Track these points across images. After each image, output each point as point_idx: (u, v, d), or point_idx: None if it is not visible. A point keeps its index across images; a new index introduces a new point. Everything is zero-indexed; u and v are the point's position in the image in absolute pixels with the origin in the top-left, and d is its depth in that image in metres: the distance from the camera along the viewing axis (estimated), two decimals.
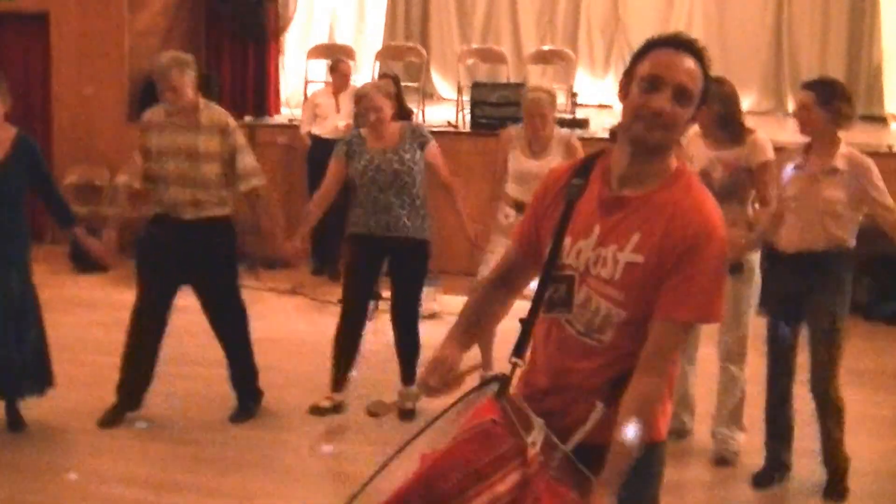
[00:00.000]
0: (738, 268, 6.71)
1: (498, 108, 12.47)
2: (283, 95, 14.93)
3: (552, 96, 7.75)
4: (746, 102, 15.21)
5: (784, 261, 6.56)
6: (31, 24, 13.56)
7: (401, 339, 7.74)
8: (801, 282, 6.45)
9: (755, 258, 6.99)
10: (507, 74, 14.89)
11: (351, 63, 13.37)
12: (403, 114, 11.75)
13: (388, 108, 7.41)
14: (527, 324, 3.55)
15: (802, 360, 6.72)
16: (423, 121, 13.25)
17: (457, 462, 3.16)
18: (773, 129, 13.46)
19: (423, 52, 15.10)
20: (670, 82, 3.30)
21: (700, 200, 3.39)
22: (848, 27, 15.37)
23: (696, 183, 3.48)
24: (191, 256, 7.19)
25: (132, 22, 13.51)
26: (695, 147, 6.97)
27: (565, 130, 8.21)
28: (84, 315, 7.54)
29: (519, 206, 7.52)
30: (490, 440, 3.17)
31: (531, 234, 3.66)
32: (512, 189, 7.76)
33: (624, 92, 3.41)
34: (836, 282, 6.43)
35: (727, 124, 6.88)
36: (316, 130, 12.10)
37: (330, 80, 13.05)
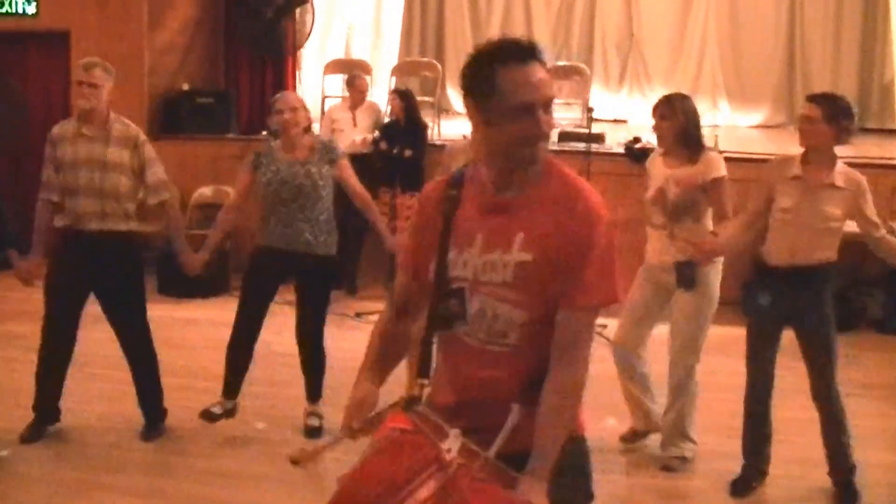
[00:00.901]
0: (691, 283, 6.87)
1: None
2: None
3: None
4: (759, 117, 15.35)
5: (774, 274, 6.58)
6: (53, 43, 13.66)
7: (305, 357, 7.70)
8: (791, 296, 6.52)
9: (714, 276, 7.05)
10: None
11: (367, 78, 13.43)
12: (417, 127, 11.84)
13: (302, 115, 7.40)
14: (425, 344, 3.54)
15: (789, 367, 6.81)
16: (439, 135, 13.35)
17: (372, 476, 3.21)
18: (786, 143, 13.53)
19: (439, 66, 15.17)
20: (541, 102, 3.31)
21: (579, 189, 3.40)
22: (860, 42, 15.41)
23: (570, 172, 3.48)
24: (96, 269, 7.16)
25: (151, 40, 13.63)
26: (655, 167, 7.10)
27: None
28: (102, 330, 7.57)
29: None
30: (402, 449, 3.24)
31: (417, 257, 3.63)
32: None
33: (481, 109, 3.36)
34: (824, 295, 6.53)
35: (689, 138, 6.96)
36: None
37: (347, 94, 13.12)
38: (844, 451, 6.64)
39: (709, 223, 6.97)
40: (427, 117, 12.95)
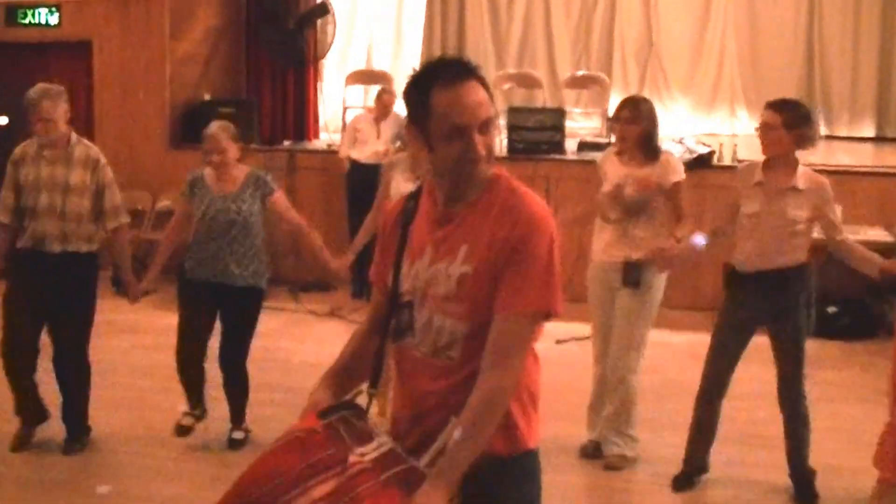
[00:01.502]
0: (636, 282, 6.96)
1: (534, 133, 12.47)
2: (322, 120, 15.06)
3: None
4: None
5: (744, 280, 6.67)
6: (75, 52, 13.77)
7: (228, 383, 7.66)
8: (763, 301, 6.60)
9: (660, 279, 7.13)
10: (543, 99, 14.97)
11: (393, 90, 13.49)
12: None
13: (232, 151, 7.34)
14: (376, 355, 3.52)
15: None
16: None
17: (270, 469, 3.14)
18: (805, 151, 13.56)
19: None
20: (474, 125, 3.26)
21: (522, 196, 3.34)
22: (878, 52, 15.37)
23: (517, 182, 3.41)
24: (55, 289, 7.16)
25: (173, 50, 13.72)
26: (609, 164, 7.20)
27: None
28: (126, 339, 7.66)
29: None
30: (305, 447, 3.15)
31: (383, 272, 3.59)
32: None
33: (420, 132, 3.37)
34: (797, 298, 6.59)
35: (649, 142, 7.09)
36: (355, 155, 12.26)
37: (368, 104, 13.19)
38: (804, 454, 6.75)
39: (660, 225, 7.09)
40: None
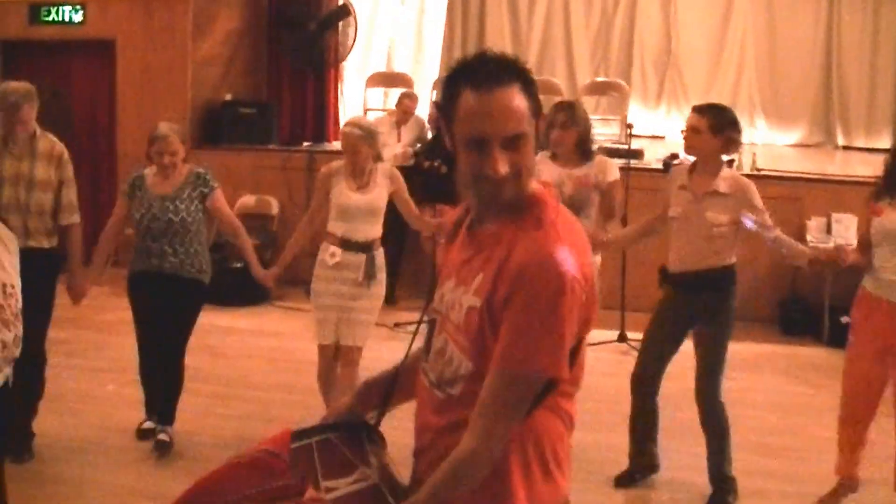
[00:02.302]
0: None
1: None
2: (342, 123, 15.08)
3: (365, 131, 7.41)
4: (796, 135, 15.37)
5: (671, 279, 6.78)
6: (98, 51, 13.84)
7: (163, 377, 7.51)
8: (689, 300, 6.70)
9: (598, 260, 7.24)
10: None
11: (416, 93, 13.56)
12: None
13: (181, 153, 7.31)
14: (394, 372, 3.31)
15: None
16: None
17: (216, 486, 2.98)
18: (823, 162, 13.60)
19: None
20: (496, 138, 2.86)
21: (547, 233, 2.89)
22: None
23: (556, 212, 2.98)
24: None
25: (195, 51, 13.79)
26: (545, 167, 7.20)
27: (387, 165, 7.87)
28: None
29: (346, 244, 7.30)
30: (263, 471, 2.94)
31: None
32: (337, 227, 7.39)
33: (447, 133, 3.00)
34: (720, 298, 6.66)
35: (584, 144, 7.23)
36: None
37: (388, 107, 13.24)
38: (722, 457, 6.77)
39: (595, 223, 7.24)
40: None
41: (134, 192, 7.32)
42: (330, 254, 7.33)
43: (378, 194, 7.37)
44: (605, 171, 7.22)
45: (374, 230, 7.39)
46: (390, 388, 3.30)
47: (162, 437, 7.42)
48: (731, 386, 7.06)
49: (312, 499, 2.88)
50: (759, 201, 6.54)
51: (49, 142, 7.21)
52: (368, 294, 7.33)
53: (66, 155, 7.25)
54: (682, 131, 6.77)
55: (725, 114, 6.61)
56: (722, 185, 6.52)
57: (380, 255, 7.42)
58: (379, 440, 3.21)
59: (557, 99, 15.00)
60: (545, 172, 7.14)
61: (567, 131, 7.12)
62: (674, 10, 15.85)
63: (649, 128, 15.31)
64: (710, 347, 6.68)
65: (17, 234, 6.82)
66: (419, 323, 3.25)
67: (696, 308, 6.67)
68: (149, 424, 7.54)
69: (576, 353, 2.92)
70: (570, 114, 7.18)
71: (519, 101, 2.86)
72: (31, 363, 7.23)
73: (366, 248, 7.31)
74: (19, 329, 3.80)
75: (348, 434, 3.13)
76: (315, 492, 2.90)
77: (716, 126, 6.48)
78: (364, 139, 7.29)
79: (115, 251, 7.68)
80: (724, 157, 6.80)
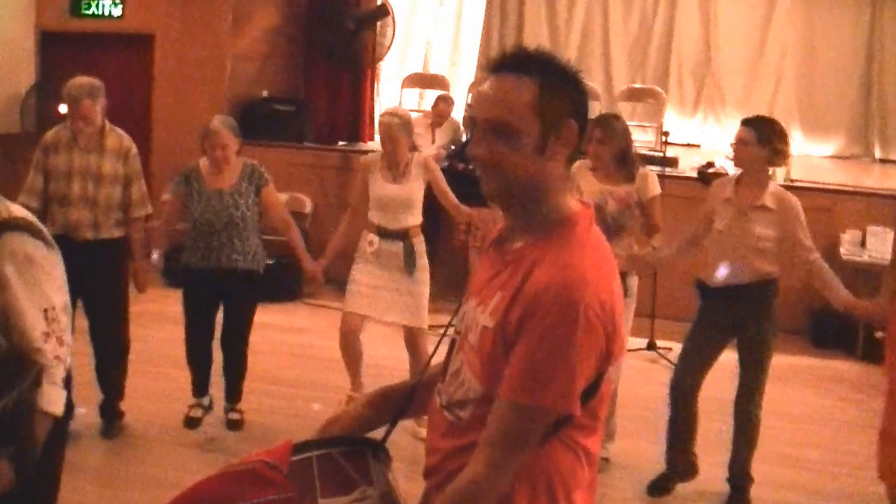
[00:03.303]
0: (624, 292, 6.87)
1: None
2: (377, 122, 15.09)
3: (404, 120, 7.47)
4: (833, 147, 15.29)
5: (712, 293, 6.73)
6: (137, 45, 13.90)
7: (228, 366, 7.70)
8: (730, 313, 6.65)
9: (636, 282, 7.25)
10: (598, 110, 14.95)
11: (451, 97, 13.54)
12: None
13: (233, 146, 7.33)
14: (411, 388, 3.16)
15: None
16: None
17: (209, 495, 2.85)
18: (859, 175, 13.50)
19: None
20: (479, 120, 2.79)
21: (568, 255, 2.71)
22: None
23: (583, 233, 2.80)
24: (86, 275, 6.94)
25: (233, 47, 13.80)
26: (584, 179, 7.12)
27: (422, 154, 7.94)
28: (173, 330, 7.71)
29: (382, 233, 7.47)
30: (257, 483, 2.79)
31: None
32: (375, 216, 7.55)
33: None
34: (763, 311, 6.64)
35: (624, 160, 7.10)
36: None
37: (423, 109, 13.24)
38: (746, 461, 6.80)
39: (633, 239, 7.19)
40: None
41: (189, 185, 7.39)
42: (368, 241, 7.52)
43: (414, 185, 7.49)
44: (646, 186, 7.11)
45: (412, 219, 7.53)
46: (405, 403, 3.14)
47: (233, 416, 7.71)
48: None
49: None
50: (803, 218, 6.53)
51: (117, 137, 7.29)
52: (412, 280, 7.48)
53: (134, 150, 7.34)
54: (731, 144, 6.75)
55: (773, 126, 6.60)
56: (769, 200, 6.50)
57: (419, 242, 7.53)
58: (385, 457, 3.04)
59: (595, 104, 15.09)
60: (585, 186, 7.09)
61: (604, 146, 7.03)
62: (713, 19, 15.81)
63: (685, 136, 15.28)
64: (753, 359, 6.66)
65: (87, 226, 7.05)
66: (441, 337, 3.15)
67: (738, 319, 6.64)
68: (196, 412, 7.62)
69: (596, 386, 2.73)
70: (607, 128, 7.07)
71: (519, 91, 2.73)
72: (116, 344, 7.56)
73: (403, 235, 7.46)
74: (70, 339, 3.71)
75: (352, 449, 2.96)
76: None
77: (761, 138, 6.47)
78: (402, 127, 7.37)
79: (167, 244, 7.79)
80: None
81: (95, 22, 14.03)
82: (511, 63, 2.77)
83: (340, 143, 14.29)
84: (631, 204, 7.05)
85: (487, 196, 2.83)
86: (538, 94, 2.72)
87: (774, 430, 7.42)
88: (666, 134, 11.66)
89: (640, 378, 7.77)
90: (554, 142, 2.74)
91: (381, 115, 7.68)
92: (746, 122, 6.63)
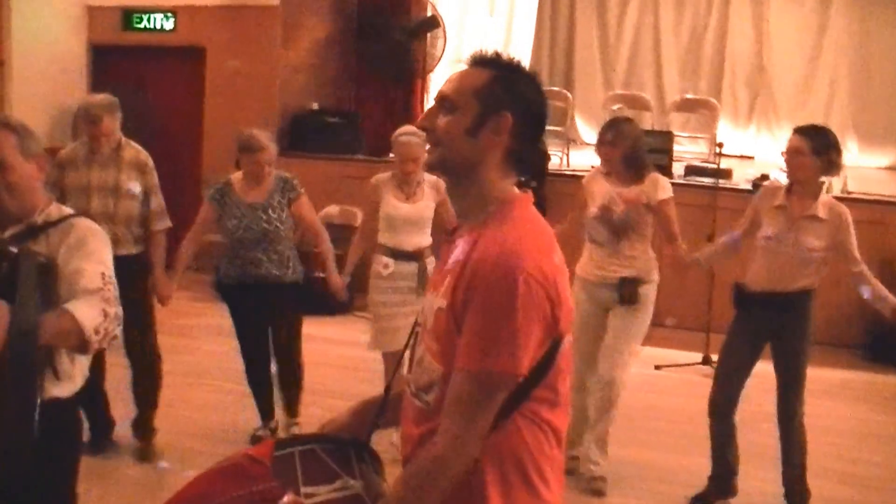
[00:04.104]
0: (634, 298, 6.99)
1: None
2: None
3: (422, 138, 7.27)
4: (888, 158, 15.11)
5: (751, 299, 6.68)
6: (188, 58, 13.96)
7: (283, 377, 7.75)
8: (769, 320, 6.61)
9: (652, 293, 7.16)
10: (650, 122, 14.88)
11: None
12: (540, 154, 11.89)
13: (274, 160, 7.40)
14: (386, 389, 3.31)
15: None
16: (568, 165, 13.38)
17: (200, 492, 2.99)
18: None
19: (569, 96, 15.17)
20: (436, 97, 3.05)
21: (504, 230, 2.88)
22: None
23: (518, 211, 3.00)
24: None
25: (284, 59, 13.84)
26: (596, 184, 7.20)
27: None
28: (222, 342, 7.73)
29: (396, 254, 7.44)
30: (241, 476, 2.93)
31: None
32: (387, 237, 7.53)
33: None
34: (803, 320, 6.61)
35: (633, 162, 7.06)
36: None
37: None
38: (800, 475, 6.75)
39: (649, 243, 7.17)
40: (556, 147, 12.96)
41: (223, 200, 7.40)
42: (383, 265, 7.47)
43: (425, 204, 7.48)
44: (655, 188, 7.07)
45: (424, 239, 7.52)
46: (382, 406, 3.28)
47: (293, 430, 7.65)
48: (812, 411, 6.93)
49: (291, 502, 2.86)
50: (853, 230, 6.49)
51: (134, 151, 7.27)
52: (419, 302, 7.30)
53: (150, 163, 7.30)
54: (783, 153, 6.71)
55: (827, 136, 6.54)
56: (821, 210, 6.46)
57: (431, 262, 7.46)
58: (372, 458, 3.17)
59: (646, 115, 15.01)
60: (597, 191, 7.14)
61: (614, 148, 7.02)
62: (766, 28, 15.69)
63: (739, 147, 15.15)
64: (790, 367, 6.63)
65: None
66: (410, 337, 3.23)
67: (773, 328, 6.61)
68: (262, 432, 7.66)
69: (552, 358, 2.87)
70: (617, 131, 7.07)
71: (471, 77, 3.01)
72: (146, 362, 7.49)
73: (416, 256, 7.45)
74: (119, 310, 3.93)
75: (335, 447, 3.10)
76: (294, 496, 2.88)
77: (815, 148, 6.42)
78: (422, 146, 7.25)
79: (195, 256, 7.70)
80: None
81: (147, 35, 14.14)
82: (478, 58, 3.06)
83: (391, 155, 14.22)
84: (639, 205, 7.01)
85: (427, 167, 3.10)
86: (485, 83, 2.98)
87: (830, 445, 7.35)
88: (720, 145, 11.55)
89: (694, 393, 7.71)
90: (487, 128, 2.96)
91: (399, 135, 7.62)
92: (800, 131, 6.58)
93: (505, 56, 3.08)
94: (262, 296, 7.46)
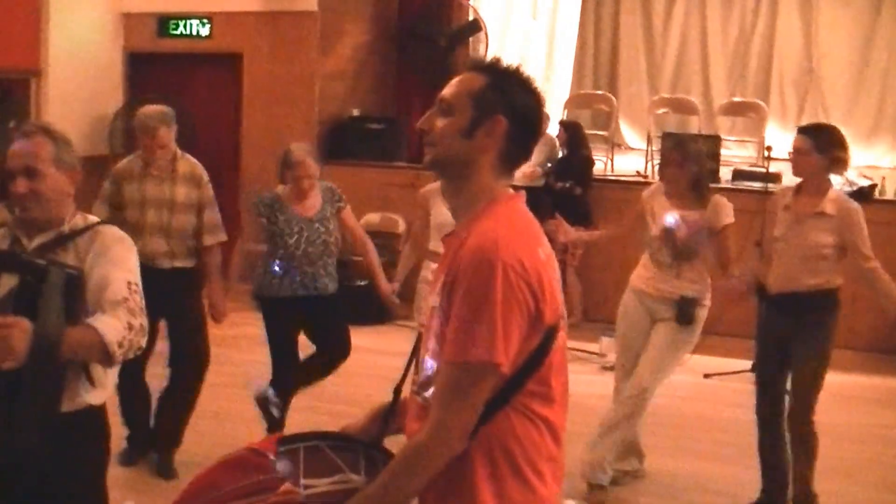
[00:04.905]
0: (691, 319, 6.93)
1: None
2: None
3: None
4: None
5: (770, 300, 6.68)
6: (225, 64, 13.93)
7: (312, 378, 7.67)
8: (788, 322, 6.56)
9: (704, 314, 7.09)
10: (697, 125, 14.69)
11: (547, 113, 13.31)
12: (580, 160, 11.75)
13: (317, 173, 7.35)
14: (396, 390, 3.33)
15: None
16: (612, 170, 13.24)
17: (209, 482, 3.07)
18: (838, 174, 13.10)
19: (613, 100, 15.01)
20: (436, 101, 3.12)
21: (486, 225, 2.94)
22: None
23: (503, 207, 3.03)
24: (164, 302, 6.81)
25: (322, 65, 13.74)
26: (657, 202, 7.12)
27: None
28: (263, 352, 7.62)
29: None
30: (242, 468, 3.05)
31: None
32: (437, 245, 7.17)
33: None
34: (821, 322, 6.55)
35: (698, 184, 7.02)
36: None
37: None
38: (808, 476, 6.68)
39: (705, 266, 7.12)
40: (600, 152, 12.80)
41: (274, 215, 7.34)
42: (431, 271, 7.29)
43: None
44: (717, 213, 6.97)
45: None
46: (392, 408, 3.32)
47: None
48: (860, 420, 6.74)
49: (287, 491, 2.95)
50: (864, 226, 6.45)
51: (189, 164, 7.27)
52: None
53: (206, 177, 7.30)
54: (789, 153, 6.77)
55: (830, 134, 6.58)
56: (829, 207, 6.42)
57: None
58: (386, 457, 3.17)
59: (693, 119, 14.81)
60: (657, 208, 7.08)
61: (681, 170, 6.96)
62: (815, 29, 15.50)
63: (787, 150, 14.90)
64: (802, 372, 6.55)
65: (163, 256, 7.05)
66: (416, 341, 3.34)
67: (794, 329, 6.52)
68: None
69: (543, 352, 2.92)
70: (684, 151, 7.02)
71: (469, 81, 3.08)
72: (191, 375, 7.44)
73: None
74: (144, 321, 3.92)
75: (343, 445, 3.18)
76: (291, 486, 2.97)
77: (820, 146, 6.39)
78: None
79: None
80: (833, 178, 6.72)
81: (183, 42, 14.12)
82: (477, 64, 3.14)
83: None
84: (701, 230, 6.92)
85: (425, 166, 3.15)
86: (482, 87, 3.04)
87: (880, 455, 7.14)
88: (769, 149, 11.35)
89: (742, 402, 7.60)
90: (482, 130, 3.02)
91: None
92: (802, 131, 6.65)
93: (503, 63, 3.15)
94: (310, 308, 7.41)
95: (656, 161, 12.66)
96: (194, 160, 7.32)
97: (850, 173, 11.66)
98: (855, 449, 6.65)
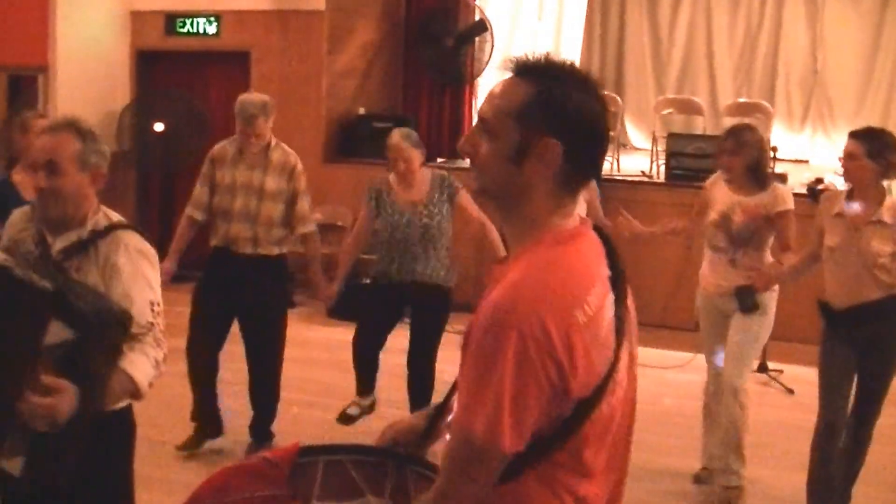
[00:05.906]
0: (752, 307, 6.86)
1: (695, 160, 12.28)
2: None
3: None
4: None
5: (837, 317, 6.45)
6: (233, 62, 13.96)
7: (412, 379, 7.67)
8: (852, 334, 6.38)
9: (772, 301, 7.02)
10: (702, 126, 14.69)
11: None
12: None
13: (417, 159, 7.39)
14: (434, 410, 3.00)
15: None
16: (618, 170, 13.23)
17: (221, 485, 2.86)
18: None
19: (619, 101, 15.00)
20: (478, 119, 2.71)
21: (521, 274, 2.50)
22: None
23: (547, 251, 2.55)
24: (244, 289, 7.24)
25: (330, 63, 13.77)
26: (718, 190, 7.10)
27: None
28: (290, 352, 7.64)
29: None
30: (256, 478, 2.81)
31: None
32: None
33: None
34: (887, 328, 6.36)
35: (756, 171, 6.95)
36: None
37: None
38: (850, 483, 6.61)
39: (768, 254, 7.06)
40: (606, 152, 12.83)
41: (382, 199, 7.45)
42: None
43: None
44: (776, 199, 6.93)
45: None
46: (433, 420, 2.98)
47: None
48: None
49: None
50: None
51: (283, 153, 7.40)
52: None
53: (299, 167, 7.42)
54: (840, 158, 6.54)
55: (884, 138, 6.34)
56: (886, 215, 6.24)
57: None
58: (428, 470, 2.86)
59: (699, 119, 14.82)
60: (719, 198, 7.06)
61: (734, 157, 6.92)
62: (820, 29, 15.41)
63: (793, 151, 14.92)
64: (868, 386, 6.40)
65: (246, 241, 7.17)
66: None
67: (861, 342, 6.34)
68: (353, 410, 7.66)
69: (576, 424, 2.48)
70: (737, 139, 6.96)
71: (510, 94, 2.60)
72: (268, 365, 7.63)
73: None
74: (165, 349, 3.93)
75: (373, 460, 2.91)
76: None
77: (871, 151, 6.21)
78: None
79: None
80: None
81: (191, 40, 14.16)
82: (521, 66, 2.63)
83: (440, 159, 14.10)
84: (759, 216, 6.87)
85: (473, 196, 2.74)
86: (526, 101, 2.55)
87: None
88: (774, 150, 11.36)
89: (751, 401, 7.53)
90: (532, 156, 2.55)
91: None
92: (855, 135, 6.39)
93: (554, 63, 2.64)
94: (410, 296, 7.49)
95: (661, 161, 12.71)
96: (289, 150, 7.44)
97: None
98: (873, 450, 6.62)
